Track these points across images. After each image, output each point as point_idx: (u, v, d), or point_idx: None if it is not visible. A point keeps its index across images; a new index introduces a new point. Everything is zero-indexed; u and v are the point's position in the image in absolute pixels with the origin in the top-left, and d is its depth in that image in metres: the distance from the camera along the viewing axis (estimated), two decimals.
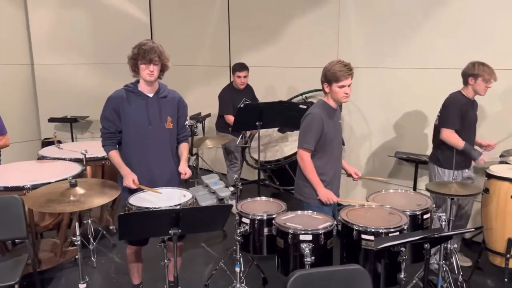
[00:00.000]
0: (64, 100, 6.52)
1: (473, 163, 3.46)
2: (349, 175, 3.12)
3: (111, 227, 4.33)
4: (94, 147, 3.92)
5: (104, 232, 4.13)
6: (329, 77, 2.78)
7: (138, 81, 2.80)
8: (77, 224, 2.47)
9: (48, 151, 4.21)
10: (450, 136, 3.31)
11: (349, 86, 2.79)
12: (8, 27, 6.16)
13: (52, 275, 3.55)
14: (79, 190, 2.36)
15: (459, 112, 3.31)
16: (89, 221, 3.54)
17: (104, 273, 3.66)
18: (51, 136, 6.45)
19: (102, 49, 6.64)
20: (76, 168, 3.56)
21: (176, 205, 2.42)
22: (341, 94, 2.80)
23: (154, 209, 2.24)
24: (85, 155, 3.71)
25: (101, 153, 3.91)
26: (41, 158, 4.02)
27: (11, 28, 6.19)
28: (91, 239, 3.67)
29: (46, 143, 6.29)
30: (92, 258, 3.74)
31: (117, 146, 2.85)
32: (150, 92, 2.78)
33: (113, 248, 4.06)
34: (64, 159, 3.86)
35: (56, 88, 6.51)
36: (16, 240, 3.65)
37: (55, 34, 6.44)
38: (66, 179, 3.18)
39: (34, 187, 3.14)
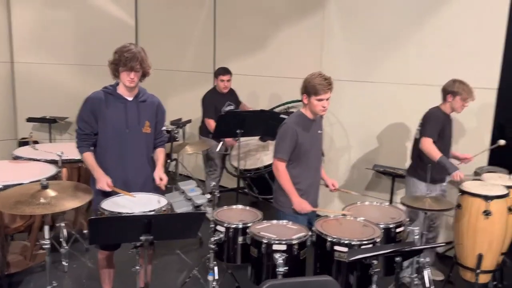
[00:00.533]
0: (43, 100, 6.41)
1: (447, 177, 3.52)
2: (327, 186, 3.14)
3: (85, 231, 4.25)
4: (71, 149, 3.83)
5: (78, 236, 4.06)
6: (309, 89, 2.81)
7: (117, 84, 2.78)
8: (47, 227, 2.42)
9: (23, 151, 4.12)
10: (429, 145, 3.35)
11: (327, 99, 2.83)
12: None
13: (21, 279, 3.46)
14: (51, 192, 2.31)
15: (439, 125, 3.39)
16: (62, 224, 3.48)
17: (75, 278, 3.58)
18: (27, 136, 6.37)
19: (85, 50, 6.57)
20: (51, 170, 3.49)
21: (150, 211, 2.40)
22: (319, 107, 2.83)
23: (126, 214, 2.21)
24: (60, 156, 3.64)
25: (78, 155, 3.85)
26: (16, 158, 3.94)
27: None
28: (63, 243, 3.59)
29: (23, 143, 6.18)
30: (64, 262, 3.66)
31: (92, 148, 2.82)
32: (130, 95, 2.77)
33: (86, 253, 3.99)
34: (39, 160, 3.79)
35: (36, 87, 6.41)
36: None
37: (37, 33, 6.36)
38: (39, 180, 3.13)
39: (6, 187, 3.06)
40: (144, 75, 2.73)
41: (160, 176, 2.77)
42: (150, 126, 2.82)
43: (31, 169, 3.50)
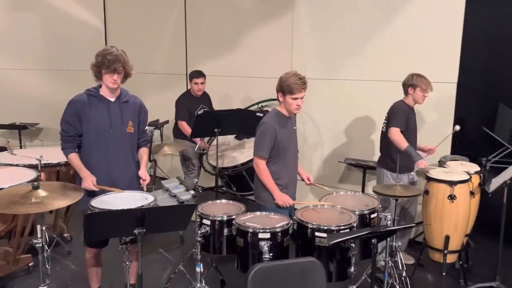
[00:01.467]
0: (12, 106, 6.30)
1: (415, 166, 3.77)
2: (303, 180, 3.31)
3: (65, 235, 4.26)
4: (47, 154, 3.86)
5: (59, 239, 4.06)
6: (284, 88, 2.94)
7: (100, 86, 2.85)
8: (39, 226, 2.48)
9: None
10: (397, 134, 3.59)
11: (301, 98, 2.96)
12: None
13: (4, 284, 3.46)
14: (41, 192, 2.37)
15: (405, 116, 3.63)
16: (43, 228, 3.49)
17: (60, 280, 3.60)
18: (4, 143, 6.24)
19: (54, 55, 6.51)
20: (31, 174, 3.50)
21: (139, 207, 2.49)
22: (294, 106, 2.97)
23: (120, 209, 2.30)
24: (40, 161, 3.65)
25: (55, 159, 3.89)
26: None
27: None
28: (45, 246, 3.59)
29: None
30: (47, 265, 3.66)
31: (76, 149, 2.87)
32: (112, 96, 2.84)
33: (68, 255, 4.00)
34: (17, 165, 3.78)
35: (3, 93, 6.30)
36: None
37: (4, 38, 6.25)
38: (21, 184, 3.15)
39: None
40: (126, 76, 2.81)
41: (143, 175, 2.85)
42: (133, 125, 2.90)
43: (10, 174, 3.49)
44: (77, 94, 2.86)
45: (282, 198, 3.00)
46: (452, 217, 3.36)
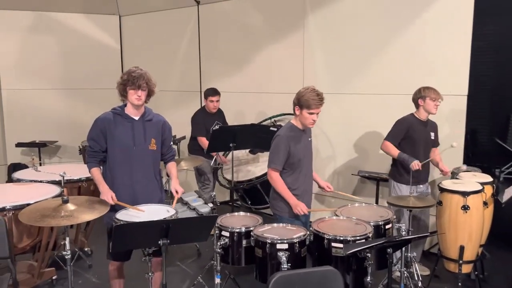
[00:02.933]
0: (32, 125, 6.53)
1: (411, 168, 3.81)
2: (321, 188, 3.38)
3: (86, 249, 4.37)
4: (67, 170, 3.99)
5: (80, 253, 4.17)
6: (302, 102, 3.05)
7: (125, 105, 2.99)
8: (67, 239, 2.59)
9: (23, 173, 4.24)
10: (387, 146, 3.79)
11: (317, 114, 3.08)
12: None
13: None
14: (70, 206, 2.49)
15: (402, 130, 3.75)
16: (66, 242, 3.60)
17: None
18: (18, 161, 6.44)
19: (71, 74, 6.73)
20: (55, 190, 3.63)
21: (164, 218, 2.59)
22: (309, 120, 3.08)
23: (147, 221, 2.40)
24: (63, 177, 3.78)
25: (76, 175, 4.02)
26: (16, 180, 4.05)
27: None
28: (68, 260, 3.70)
29: (14, 167, 6.25)
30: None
31: (99, 164, 3.00)
32: (136, 115, 2.98)
33: (89, 269, 4.11)
34: (41, 182, 3.92)
35: (24, 113, 6.52)
36: None
37: (24, 59, 6.50)
38: (46, 200, 3.28)
39: (15, 207, 3.21)
40: (150, 94, 2.94)
41: (175, 188, 2.97)
42: (156, 143, 3.02)
43: (34, 190, 3.63)
44: (103, 112, 3.00)
45: (297, 206, 3.08)
46: (466, 227, 3.40)
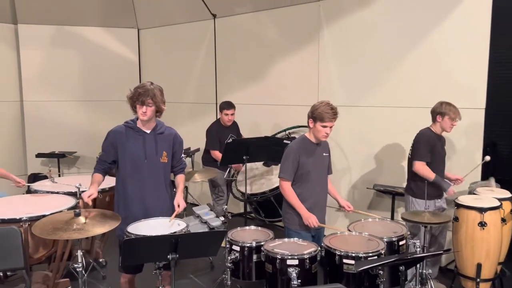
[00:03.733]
0: (51, 136, 6.67)
1: (444, 193, 3.76)
2: (341, 207, 3.35)
3: (100, 260, 4.41)
4: (84, 181, 4.04)
5: (95, 264, 4.22)
6: (316, 115, 3.07)
7: (137, 118, 3.03)
8: (79, 252, 2.62)
9: (40, 185, 4.33)
10: (422, 168, 3.63)
11: (331, 127, 3.09)
12: (0, 65, 6.35)
13: None
14: (82, 219, 2.52)
15: (428, 146, 3.65)
16: (80, 253, 3.65)
17: None
18: (38, 171, 6.58)
19: (90, 86, 6.88)
20: (70, 201, 3.69)
21: (172, 233, 2.60)
22: (322, 133, 3.09)
23: (156, 235, 2.42)
24: (79, 188, 3.84)
25: None
26: (34, 191, 4.14)
27: (2, 66, 6.40)
28: (82, 271, 3.74)
29: (33, 177, 6.39)
30: None
31: (103, 172, 3.06)
32: (148, 128, 3.02)
33: (103, 280, 4.14)
34: (57, 193, 3.99)
35: (44, 124, 6.67)
36: (7, 272, 3.72)
37: (45, 72, 6.66)
38: (61, 211, 3.34)
39: (31, 219, 3.27)
40: (158, 110, 2.98)
41: (178, 202, 2.98)
42: (167, 156, 3.06)
43: (50, 201, 3.69)
44: (116, 125, 3.05)
45: (308, 217, 3.06)
46: (484, 245, 3.31)
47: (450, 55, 4.19)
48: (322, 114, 3.04)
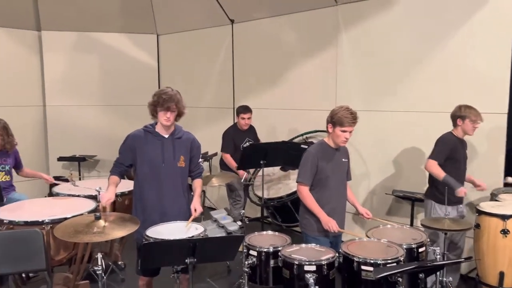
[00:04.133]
0: (73, 140, 6.80)
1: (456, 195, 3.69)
2: (360, 214, 3.32)
3: (119, 262, 4.47)
4: (104, 184, 4.09)
5: (114, 266, 4.27)
6: (335, 120, 3.05)
7: (156, 123, 3.08)
8: (99, 254, 2.67)
9: (61, 188, 4.42)
10: (433, 166, 3.60)
11: (350, 132, 3.07)
12: (24, 71, 6.54)
13: None
14: (102, 222, 2.57)
15: (447, 149, 3.61)
16: (100, 256, 3.70)
17: None
18: (59, 174, 6.70)
19: (111, 91, 7.00)
20: (91, 204, 3.75)
21: (190, 237, 2.62)
22: (341, 138, 3.07)
23: (175, 239, 2.44)
24: (99, 192, 3.90)
25: None
26: (56, 194, 4.22)
27: (27, 72, 6.58)
28: (102, 273, 3.80)
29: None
30: None
31: (119, 175, 3.11)
32: (166, 133, 3.06)
33: (122, 283, 4.19)
34: (78, 196, 4.06)
35: (65, 128, 6.80)
36: (30, 274, 3.80)
37: (67, 77, 6.80)
38: (82, 214, 3.40)
39: (53, 221, 3.34)
40: (179, 114, 3.02)
41: (195, 207, 3.00)
42: (185, 160, 3.09)
43: (71, 204, 3.76)
44: (135, 129, 3.10)
45: (327, 222, 3.04)
46: (506, 252, 3.24)
47: (472, 59, 4.12)
48: (341, 118, 3.02)
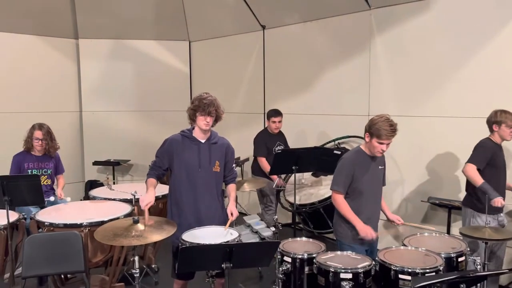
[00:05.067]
0: (107, 145, 6.96)
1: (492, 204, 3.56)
2: (390, 221, 3.25)
3: (153, 265, 4.53)
4: (138, 188, 4.18)
5: (148, 269, 4.34)
6: (373, 130, 2.97)
7: (193, 128, 3.12)
8: (137, 257, 2.72)
9: (98, 191, 4.53)
10: (472, 171, 3.49)
11: (387, 144, 2.99)
12: (62, 77, 6.77)
13: None
14: (140, 226, 2.62)
15: (488, 154, 3.50)
16: (136, 259, 3.77)
17: None
18: (94, 178, 6.90)
19: (144, 97, 7.14)
20: (126, 208, 3.83)
21: (226, 242, 2.64)
22: (378, 149, 3.00)
23: (212, 244, 2.46)
24: (134, 195, 3.98)
25: None
26: (92, 198, 4.33)
27: (65, 78, 6.80)
28: (138, 276, 3.87)
29: (90, 184, 6.70)
30: None
31: (157, 177, 3.12)
32: (203, 138, 3.10)
33: (155, 286, 4.25)
34: (114, 200, 4.16)
35: (100, 133, 6.98)
36: (68, 275, 3.91)
37: (102, 84, 6.99)
38: (118, 218, 3.48)
39: (91, 224, 3.44)
40: (217, 119, 3.06)
41: (231, 210, 3.02)
42: (220, 165, 3.12)
43: (108, 208, 3.86)
44: (173, 134, 3.15)
45: (365, 230, 2.98)
46: None
47: (506, 64, 3.99)
48: (379, 130, 2.92)
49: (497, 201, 3.36)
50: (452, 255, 2.88)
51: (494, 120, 3.54)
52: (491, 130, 3.59)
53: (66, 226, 3.45)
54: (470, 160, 3.54)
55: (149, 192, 2.98)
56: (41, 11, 6.26)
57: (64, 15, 6.56)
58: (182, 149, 3.05)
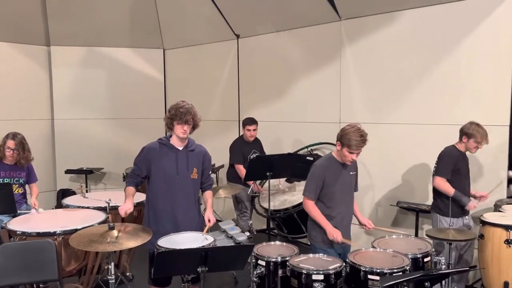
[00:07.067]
0: (80, 153, 6.86)
1: (469, 211, 3.76)
2: (362, 225, 3.37)
3: (128, 273, 4.51)
4: (111, 196, 4.16)
5: (122, 277, 4.32)
6: (344, 140, 3.07)
7: (170, 136, 3.17)
8: (112, 264, 2.73)
9: (71, 200, 4.49)
10: (441, 183, 3.67)
11: (357, 154, 3.11)
12: (34, 84, 6.67)
13: None
14: (115, 232, 2.64)
15: (451, 163, 3.67)
16: (111, 265, 3.76)
17: None
18: (67, 187, 6.80)
19: (117, 105, 7.09)
20: (100, 216, 3.82)
21: (201, 247, 2.69)
22: (348, 158, 3.12)
23: (188, 248, 2.51)
24: (109, 203, 3.97)
25: (121, 201, 4.19)
26: (66, 206, 4.29)
27: (37, 86, 6.70)
28: (113, 283, 3.84)
29: (62, 192, 6.60)
30: None
31: (135, 185, 3.18)
32: (180, 145, 3.15)
33: None
34: (88, 208, 4.13)
35: (73, 141, 6.88)
36: (40, 285, 3.85)
37: (75, 91, 6.90)
38: (92, 225, 3.47)
39: (64, 232, 3.41)
40: (194, 127, 3.12)
41: (209, 217, 3.08)
42: (197, 172, 3.17)
43: (82, 216, 3.84)
44: (149, 142, 3.19)
45: (332, 232, 3.09)
46: (510, 262, 3.29)
47: (474, 72, 4.21)
48: (350, 140, 3.01)
49: (471, 206, 3.60)
50: (418, 256, 3.02)
51: (466, 131, 3.70)
52: (460, 139, 3.76)
53: (39, 234, 3.41)
54: (437, 173, 3.72)
55: (127, 201, 3.03)
56: (12, 17, 6.16)
57: (36, 22, 6.47)
58: (160, 157, 3.09)
